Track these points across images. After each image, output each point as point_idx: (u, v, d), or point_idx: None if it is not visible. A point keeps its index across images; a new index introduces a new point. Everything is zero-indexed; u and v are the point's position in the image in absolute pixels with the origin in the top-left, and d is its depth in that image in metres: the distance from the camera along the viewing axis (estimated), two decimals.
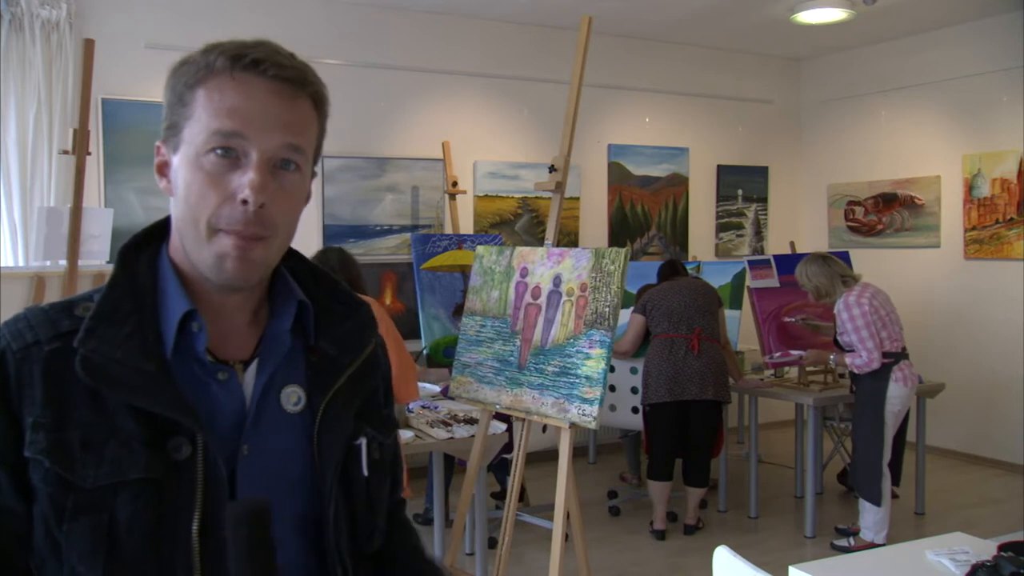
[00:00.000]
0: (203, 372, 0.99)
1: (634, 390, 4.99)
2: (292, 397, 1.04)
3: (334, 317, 1.10)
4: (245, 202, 0.94)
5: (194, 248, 0.98)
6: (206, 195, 0.95)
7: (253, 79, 0.95)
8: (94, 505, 0.91)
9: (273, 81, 0.96)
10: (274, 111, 0.96)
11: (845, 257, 6.14)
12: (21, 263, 4.61)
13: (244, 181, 0.95)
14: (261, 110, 0.95)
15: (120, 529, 0.91)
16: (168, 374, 0.95)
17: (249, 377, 1.02)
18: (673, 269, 5.04)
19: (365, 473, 1.08)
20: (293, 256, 1.11)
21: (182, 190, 0.97)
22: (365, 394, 1.12)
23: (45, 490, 0.92)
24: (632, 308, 4.95)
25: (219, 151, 0.95)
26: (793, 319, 5.62)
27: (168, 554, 0.93)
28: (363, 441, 1.09)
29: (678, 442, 4.73)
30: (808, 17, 5.85)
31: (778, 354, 5.28)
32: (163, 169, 1.02)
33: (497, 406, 3.19)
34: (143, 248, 1.04)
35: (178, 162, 0.98)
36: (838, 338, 4.60)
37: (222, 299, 1.02)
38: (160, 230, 1.06)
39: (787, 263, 5.39)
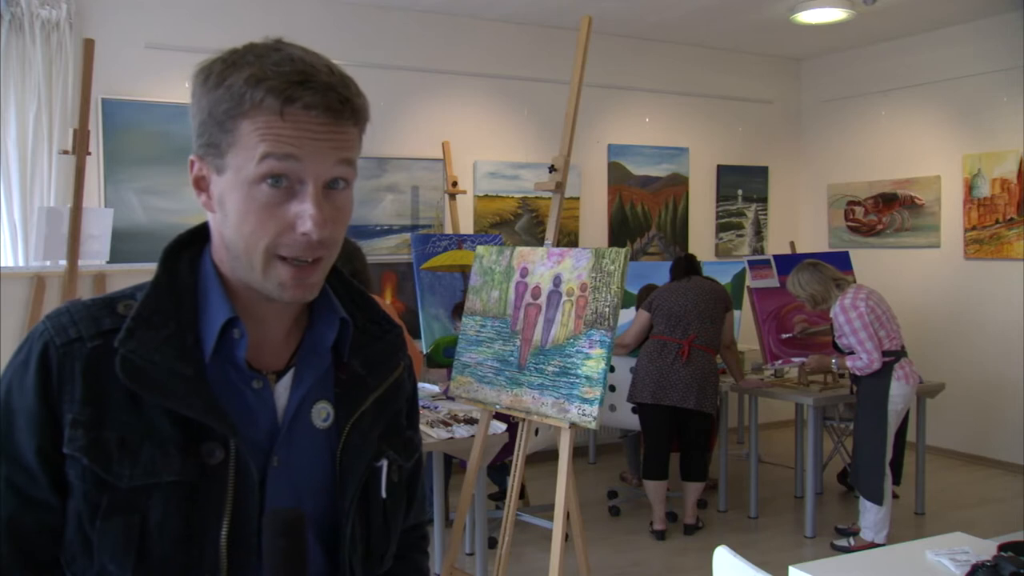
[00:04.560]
0: (239, 379, 1.00)
1: None
2: (322, 413, 1.04)
3: (367, 337, 1.10)
4: (305, 234, 0.94)
5: (249, 273, 0.97)
6: (263, 225, 0.94)
7: (303, 116, 0.93)
8: (128, 505, 0.92)
9: (324, 118, 0.94)
10: (324, 138, 0.94)
11: (845, 257, 6.15)
12: (21, 263, 4.61)
13: (304, 214, 0.94)
14: (312, 138, 0.94)
15: (151, 530, 0.93)
16: (204, 379, 0.96)
17: (282, 388, 1.03)
18: (689, 266, 4.88)
19: (384, 495, 1.09)
20: (333, 272, 1.11)
21: (234, 217, 0.96)
22: (389, 417, 1.12)
23: (81, 487, 0.93)
24: (638, 304, 4.96)
25: (271, 181, 0.93)
26: (791, 334, 5.63)
27: (196, 557, 0.94)
28: (384, 463, 1.09)
29: (671, 440, 4.74)
30: (808, 17, 5.84)
31: (779, 362, 5.30)
32: (202, 184, 1.00)
33: (497, 406, 3.19)
34: (185, 249, 1.04)
35: (224, 186, 0.96)
36: (836, 341, 4.60)
37: (265, 308, 1.02)
38: (203, 231, 1.05)
39: (787, 263, 5.39)
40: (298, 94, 0.92)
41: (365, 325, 1.11)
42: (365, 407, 1.07)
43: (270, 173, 0.93)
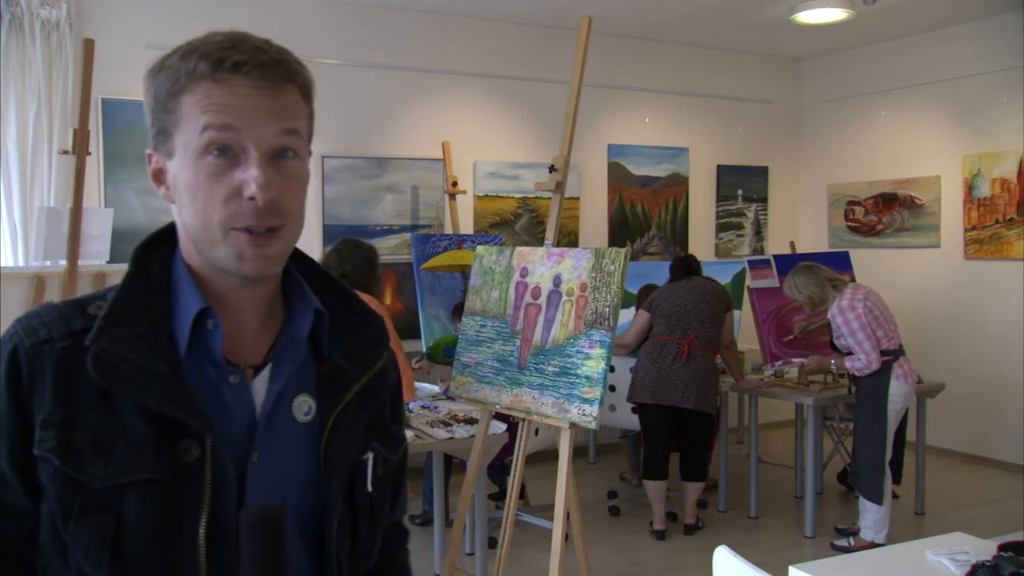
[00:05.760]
0: (215, 374, 0.99)
1: None
2: (303, 407, 1.03)
3: (347, 328, 1.09)
4: (252, 199, 0.94)
5: (209, 248, 0.97)
6: (211, 196, 0.94)
7: (236, 79, 0.94)
8: (101, 505, 0.91)
9: (257, 80, 0.95)
10: (262, 104, 0.95)
11: (845, 257, 6.15)
12: (21, 263, 4.61)
13: (248, 178, 0.94)
14: (249, 105, 0.94)
15: (127, 530, 0.91)
16: (179, 375, 0.95)
17: (260, 383, 1.01)
18: (689, 266, 4.88)
19: (369, 489, 1.07)
20: (307, 264, 1.10)
21: (186, 195, 0.96)
22: (373, 409, 1.11)
23: (53, 488, 0.92)
24: (638, 304, 4.97)
25: (215, 152, 0.94)
26: (794, 335, 5.62)
27: (175, 556, 0.92)
28: (369, 456, 1.07)
29: (671, 440, 4.75)
30: (808, 17, 5.84)
31: (779, 362, 5.31)
32: (160, 176, 1.01)
33: (497, 406, 3.19)
34: (157, 248, 1.03)
35: (176, 168, 0.97)
36: (835, 342, 4.60)
37: (238, 296, 1.01)
38: (173, 231, 1.05)
39: (787, 263, 5.39)
40: (227, 54, 0.94)
41: (343, 316, 1.09)
42: (348, 399, 1.06)
43: (212, 144, 0.94)
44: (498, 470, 4.86)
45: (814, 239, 7.41)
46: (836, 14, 5.81)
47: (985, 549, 2.12)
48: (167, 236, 1.05)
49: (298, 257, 1.08)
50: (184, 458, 0.93)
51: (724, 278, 5.87)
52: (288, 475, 1.01)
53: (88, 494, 0.91)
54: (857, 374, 4.41)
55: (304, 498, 1.02)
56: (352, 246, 4.09)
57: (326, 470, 1.03)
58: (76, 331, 0.95)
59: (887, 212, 6.88)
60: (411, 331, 5.52)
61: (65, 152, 3.92)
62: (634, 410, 4.92)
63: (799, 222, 7.60)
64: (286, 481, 1.01)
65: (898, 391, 4.36)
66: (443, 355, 4.69)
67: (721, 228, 7.24)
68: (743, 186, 7.33)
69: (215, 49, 0.94)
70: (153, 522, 0.92)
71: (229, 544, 0.94)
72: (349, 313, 1.10)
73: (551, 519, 3.18)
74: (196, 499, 0.93)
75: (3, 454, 0.93)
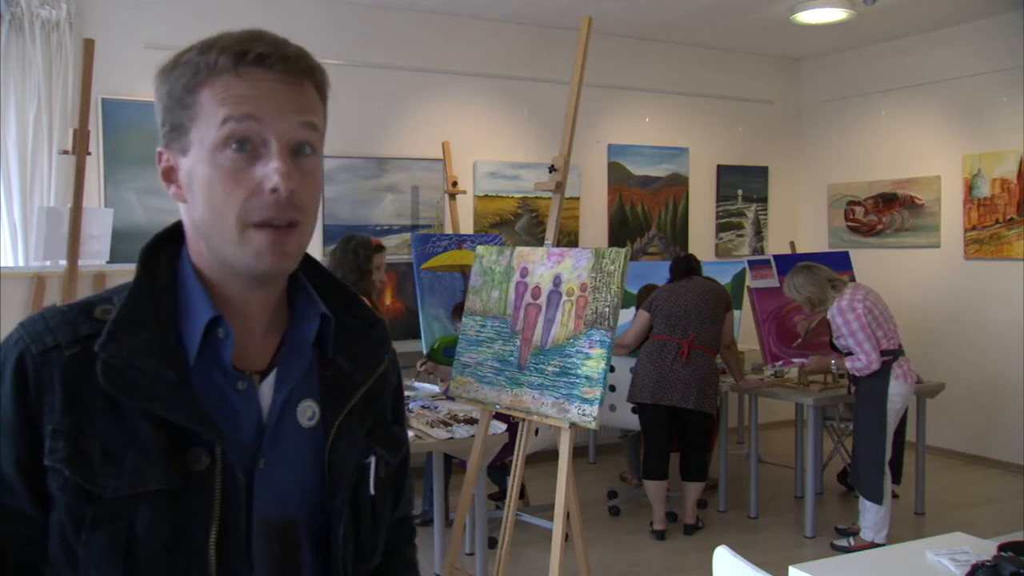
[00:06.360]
0: (224, 381, 0.97)
1: None
2: (307, 412, 1.02)
3: (351, 332, 1.08)
4: (274, 190, 0.92)
5: (224, 247, 0.95)
6: (231, 192, 0.92)
7: (258, 72, 0.93)
8: (113, 516, 0.90)
9: (279, 74, 0.94)
10: (283, 97, 0.94)
11: (845, 257, 6.15)
12: (21, 263, 4.61)
13: (270, 170, 0.92)
14: (271, 97, 0.93)
15: (138, 540, 0.90)
16: (188, 382, 0.94)
17: (266, 388, 1.00)
18: (688, 266, 4.88)
19: (372, 492, 1.07)
20: (312, 266, 1.09)
21: (201, 191, 0.94)
22: (376, 412, 1.10)
23: (63, 499, 0.90)
24: (638, 304, 4.97)
25: (235, 146, 0.92)
26: (801, 337, 5.62)
27: (185, 565, 0.92)
28: (372, 460, 1.07)
29: (670, 440, 4.75)
30: (808, 17, 5.84)
31: (780, 362, 5.31)
32: (171, 174, 0.98)
33: (497, 406, 3.19)
34: (163, 248, 1.02)
35: (190, 164, 0.95)
36: (835, 342, 4.60)
37: (245, 299, 1.00)
38: (179, 231, 1.03)
39: (787, 263, 5.39)
40: (250, 47, 0.93)
41: (348, 320, 1.08)
42: (352, 404, 1.05)
43: (232, 136, 0.92)
44: (498, 470, 4.86)
45: (814, 239, 7.41)
46: (836, 14, 5.81)
47: (985, 549, 2.12)
48: (173, 235, 1.03)
49: (303, 260, 1.07)
50: (194, 467, 0.92)
51: (724, 278, 5.86)
52: (293, 480, 1.00)
53: (99, 504, 0.90)
54: (857, 374, 4.41)
55: (308, 503, 1.01)
56: (343, 243, 4.10)
57: (331, 475, 1.02)
58: (83, 337, 0.93)
59: (887, 212, 6.87)
60: (411, 331, 5.52)
61: (65, 152, 3.92)
62: (634, 410, 4.92)
63: (799, 222, 7.60)
64: (291, 486, 1.00)
65: (898, 391, 4.36)
66: (443, 355, 4.69)
67: (721, 228, 7.24)
68: (743, 186, 7.33)
69: (237, 42, 0.93)
70: (164, 532, 0.91)
71: (239, 552, 0.93)
72: (352, 317, 1.09)
73: (551, 519, 3.18)
74: (206, 508, 0.92)
75: (10, 461, 0.91)
